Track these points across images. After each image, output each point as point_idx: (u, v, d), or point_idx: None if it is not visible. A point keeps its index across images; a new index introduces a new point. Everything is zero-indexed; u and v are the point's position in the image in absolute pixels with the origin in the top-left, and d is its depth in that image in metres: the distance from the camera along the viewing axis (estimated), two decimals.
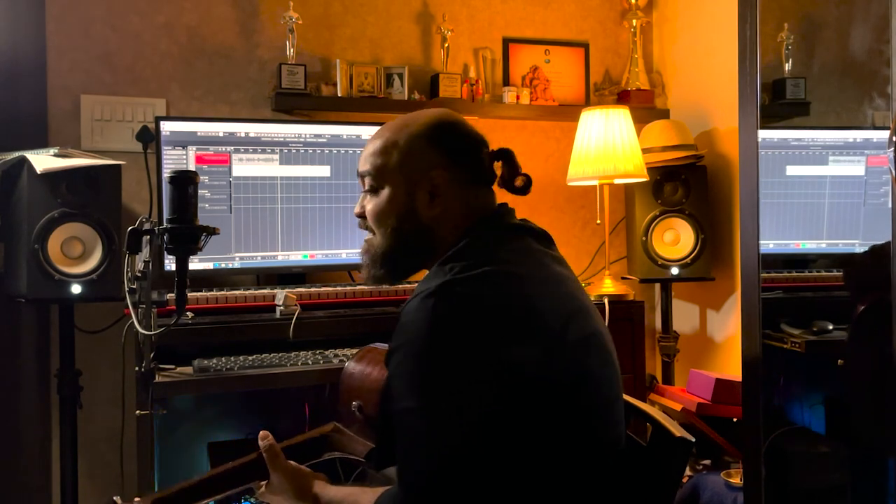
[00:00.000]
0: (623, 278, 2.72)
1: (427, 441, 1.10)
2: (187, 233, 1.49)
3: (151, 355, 1.77)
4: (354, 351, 1.81)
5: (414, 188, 1.28)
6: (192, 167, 2.27)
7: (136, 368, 1.78)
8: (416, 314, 1.13)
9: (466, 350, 1.10)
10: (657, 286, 2.86)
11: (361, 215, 1.34)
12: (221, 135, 2.31)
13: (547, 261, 1.27)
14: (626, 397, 1.34)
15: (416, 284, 1.22)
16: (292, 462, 1.35)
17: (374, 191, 1.31)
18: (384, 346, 1.47)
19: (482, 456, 1.10)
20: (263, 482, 1.35)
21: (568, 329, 1.19)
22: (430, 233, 1.28)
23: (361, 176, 1.34)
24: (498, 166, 1.38)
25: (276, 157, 2.35)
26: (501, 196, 1.37)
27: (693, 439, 1.23)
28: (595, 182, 2.55)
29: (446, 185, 1.28)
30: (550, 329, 1.16)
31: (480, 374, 1.10)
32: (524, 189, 1.37)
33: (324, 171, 2.40)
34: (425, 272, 1.28)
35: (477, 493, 1.10)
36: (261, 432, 1.35)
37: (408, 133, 1.30)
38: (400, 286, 2.28)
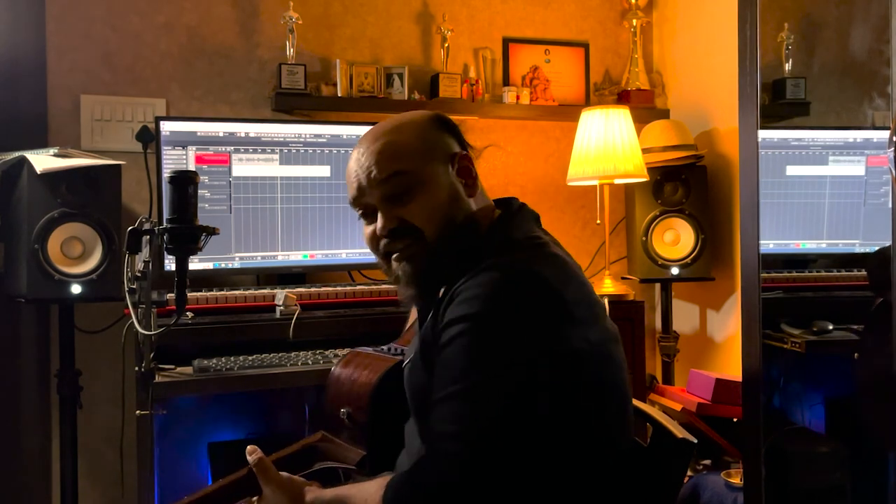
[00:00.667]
0: (623, 278, 2.72)
1: (468, 414, 1.05)
2: (187, 233, 1.48)
3: (151, 355, 1.77)
4: None
5: (450, 171, 1.24)
6: (192, 167, 2.27)
7: (136, 368, 1.78)
8: (482, 289, 1.09)
9: (528, 330, 1.08)
10: (657, 286, 2.86)
11: (397, 227, 1.20)
12: (221, 135, 2.31)
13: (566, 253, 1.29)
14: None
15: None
16: (284, 473, 1.34)
17: (410, 192, 1.20)
18: (370, 350, 1.46)
19: (517, 438, 1.06)
20: (256, 498, 1.33)
21: (607, 318, 1.21)
22: (474, 218, 1.24)
23: (384, 183, 1.20)
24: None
25: (276, 157, 2.35)
26: None
27: (695, 441, 1.22)
28: (595, 182, 2.55)
29: (472, 163, 1.26)
30: (599, 315, 1.17)
31: (536, 356, 1.08)
32: None
33: (324, 171, 2.40)
34: None
35: (499, 471, 1.05)
36: (248, 447, 1.31)
37: (415, 127, 1.25)
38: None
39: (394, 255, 1.23)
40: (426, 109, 1.34)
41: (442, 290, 1.21)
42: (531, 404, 1.07)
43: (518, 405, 1.06)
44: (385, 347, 1.52)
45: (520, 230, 1.23)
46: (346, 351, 2.03)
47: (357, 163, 1.24)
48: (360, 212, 1.26)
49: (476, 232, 1.22)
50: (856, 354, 1.81)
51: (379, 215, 1.22)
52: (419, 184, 1.20)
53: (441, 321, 1.12)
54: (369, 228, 1.25)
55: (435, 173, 1.21)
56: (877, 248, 1.81)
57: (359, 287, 2.28)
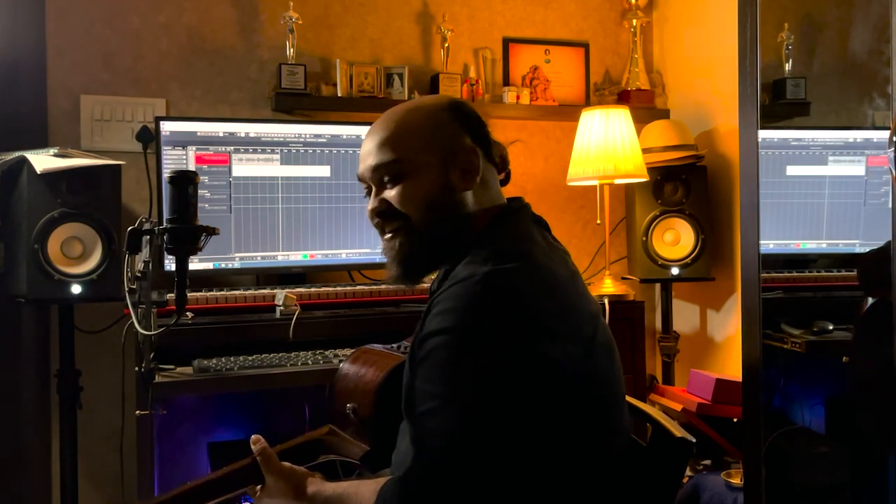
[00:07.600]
0: (623, 278, 2.72)
1: (449, 428, 1.08)
2: (187, 233, 1.48)
3: (151, 355, 1.77)
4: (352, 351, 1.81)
5: (447, 163, 1.24)
6: (192, 167, 2.27)
7: (136, 368, 1.78)
8: (458, 301, 1.11)
9: (504, 343, 1.09)
10: (657, 286, 2.86)
11: (382, 211, 1.25)
12: (221, 135, 2.31)
13: (566, 258, 1.29)
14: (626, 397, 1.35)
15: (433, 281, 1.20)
16: (286, 463, 1.34)
17: (398, 178, 1.23)
18: (378, 347, 1.47)
19: (499, 448, 1.08)
20: (259, 486, 1.34)
21: (597, 329, 1.20)
22: (464, 211, 1.25)
23: (378, 168, 1.25)
24: None
25: (277, 157, 2.35)
26: None
27: (694, 440, 1.22)
28: (595, 182, 2.55)
29: (477, 158, 1.26)
30: (585, 328, 1.17)
31: (514, 368, 1.08)
32: (505, 181, 1.39)
33: (324, 171, 2.40)
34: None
35: (485, 483, 1.08)
36: (252, 436, 1.33)
37: (425, 112, 1.28)
38: (400, 286, 2.28)
39: (385, 235, 1.28)
40: (438, 94, 1.35)
41: (431, 290, 1.23)
42: (507, 418, 1.08)
43: (494, 419, 1.08)
44: (395, 345, 1.52)
45: (510, 235, 1.22)
46: (346, 351, 2.04)
47: (366, 143, 1.29)
48: (364, 188, 1.31)
49: (464, 227, 1.24)
50: (845, 358, 1.81)
51: (372, 195, 1.28)
52: (409, 171, 1.23)
53: (422, 330, 1.15)
54: (368, 205, 1.30)
55: (427, 163, 1.24)
56: (874, 248, 1.82)
57: (359, 287, 2.28)
